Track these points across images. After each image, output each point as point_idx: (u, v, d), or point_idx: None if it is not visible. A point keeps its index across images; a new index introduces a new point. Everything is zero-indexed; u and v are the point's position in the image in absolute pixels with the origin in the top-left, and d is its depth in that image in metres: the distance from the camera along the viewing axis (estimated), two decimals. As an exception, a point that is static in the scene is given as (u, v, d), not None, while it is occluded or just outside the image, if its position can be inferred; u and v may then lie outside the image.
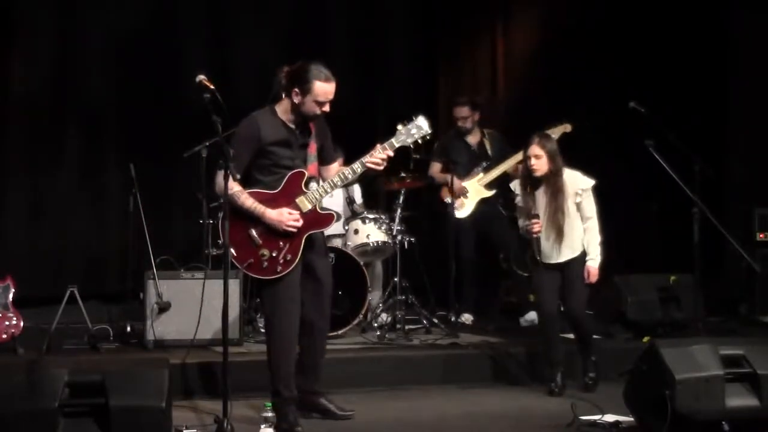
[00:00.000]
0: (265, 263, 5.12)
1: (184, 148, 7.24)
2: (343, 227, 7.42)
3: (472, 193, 7.86)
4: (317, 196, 5.20)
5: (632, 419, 5.19)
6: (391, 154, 5.25)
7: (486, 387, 6.41)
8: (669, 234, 8.56)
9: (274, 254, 5.12)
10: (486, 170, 7.84)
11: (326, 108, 5.17)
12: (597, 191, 6.30)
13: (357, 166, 5.22)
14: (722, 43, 9.18)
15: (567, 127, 7.27)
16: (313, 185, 5.23)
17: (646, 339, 6.90)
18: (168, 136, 8.43)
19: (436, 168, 7.97)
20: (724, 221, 6.93)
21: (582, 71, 9.09)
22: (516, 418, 5.61)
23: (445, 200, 7.68)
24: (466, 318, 7.95)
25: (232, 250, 5.09)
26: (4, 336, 6.25)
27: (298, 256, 5.15)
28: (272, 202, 5.14)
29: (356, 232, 7.36)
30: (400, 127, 5.31)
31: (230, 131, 6.32)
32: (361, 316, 7.09)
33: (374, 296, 7.55)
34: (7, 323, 6.25)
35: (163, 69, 8.59)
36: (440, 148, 7.99)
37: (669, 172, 6.58)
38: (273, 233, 5.12)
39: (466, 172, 7.90)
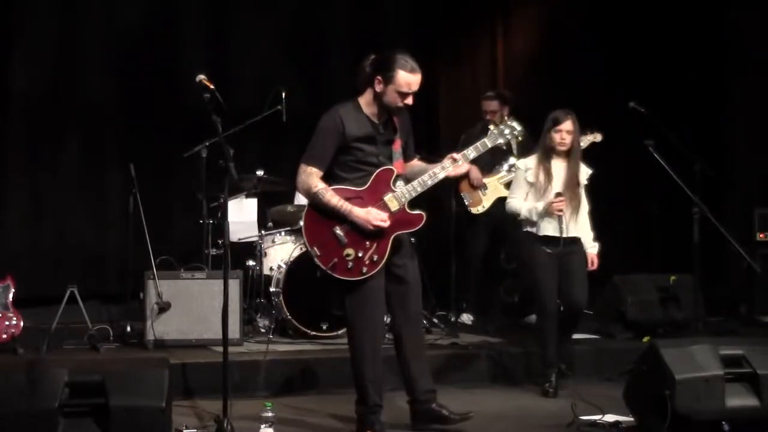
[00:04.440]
0: (351, 264, 4.91)
1: (184, 148, 7.25)
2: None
3: (490, 190, 7.75)
4: (406, 195, 5.00)
5: (632, 419, 5.19)
6: (467, 166, 5.14)
7: (486, 387, 6.42)
8: (669, 234, 8.57)
9: (360, 254, 4.91)
10: (510, 169, 7.62)
11: (409, 101, 4.96)
12: (598, 191, 6.32)
13: (439, 172, 5.03)
14: (722, 43, 9.19)
15: (597, 137, 6.84)
16: (400, 184, 5.02)
17: (646, 339, 6.90)
18: (168, 136, 8.42)
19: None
20: (724, 221, 6.94)
21: (582, 71, 9.10)
22: (516, 418, 5.61)
23: (462, 194, 7.63)
24: (466, 318, 7.96)
25: (316, 250, 4.92)
26: (4, 336, 6.25)
27: (385, 257, 4.95)
28: (359, 200, 4.93)
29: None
30: (491, 127, 5.23)
31: (230, 131, 6.32)
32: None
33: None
34: (7, 323, 6.25)
35: (163, 69, 8.59)
36: (465, 140, 7.87)
37: (669, 172, 6.59)
38: (359, 233, 4.91)
39: (488, 169, 7.73)
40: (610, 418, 5.28)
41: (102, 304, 7.78)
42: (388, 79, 4.92)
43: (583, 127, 6.78)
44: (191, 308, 6.69)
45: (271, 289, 7.17)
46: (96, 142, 8.67)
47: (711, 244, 7.39)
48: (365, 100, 5.04)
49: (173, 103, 8.41)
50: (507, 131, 5.20)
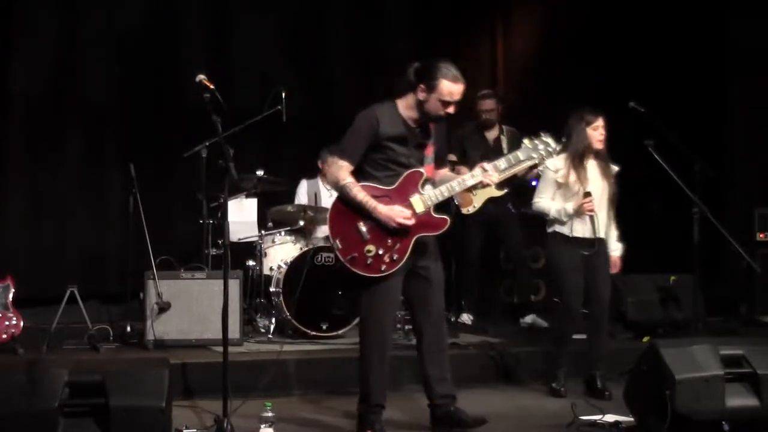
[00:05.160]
0: (370, 260, 4.92)
1: (184, 148, 7.25)
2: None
3: (480, 190, 7.77)
4: (433, 199, 5.01)
5: (632, 419, 5.19)
6: (499, 177, 5.10)
7: (486, 387, 6.41)
8: (669, 234, 8.57)
9: (380, 252, 4.92)
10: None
11: (451, 109, 4.98)
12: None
13: (468, 180, 5.05)
14: (722, 42, 9.19)
15: None
16: (428, 187, 5.03)
17: (646, 339, 6.91)
18: (168, 136, 8.43)
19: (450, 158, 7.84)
20: (724, 221, 6.93)
21: (582, 71, 9.09)
22: (516, 418, 5.61)
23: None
24: (466, 318, 7.96)
25: (338, 242, 4.93)
26: (4, 336, 6.25)
27: (405, 257, 4.96)
28: (386, 198, 4.95)
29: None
30: (526, 141, 5.19)
31: (230, 131, 6.31)
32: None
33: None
34: (7, 323, 6.26)
35: (163, 69, 8.59)
36: (458, 139, 7.89)
37: (669, 172, 6.58)
38: (382, 230, 4.92)
39: None
40: (610, 418, 5.28)
41: (102, 304, 7.79)
42: (432, 88, 4.94)
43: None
44: (191, 308, 6.69)
45: (271, 289, 7.17)
46: (96, 142, 8.67)
47: (711, 244, 7.39)
48: (404, 104, 5.06)
49: (173, 103, 8.42)
50: (541, 147, 5.17)
